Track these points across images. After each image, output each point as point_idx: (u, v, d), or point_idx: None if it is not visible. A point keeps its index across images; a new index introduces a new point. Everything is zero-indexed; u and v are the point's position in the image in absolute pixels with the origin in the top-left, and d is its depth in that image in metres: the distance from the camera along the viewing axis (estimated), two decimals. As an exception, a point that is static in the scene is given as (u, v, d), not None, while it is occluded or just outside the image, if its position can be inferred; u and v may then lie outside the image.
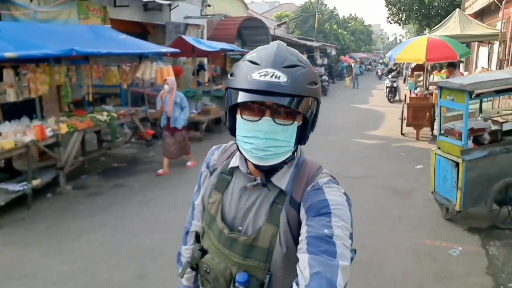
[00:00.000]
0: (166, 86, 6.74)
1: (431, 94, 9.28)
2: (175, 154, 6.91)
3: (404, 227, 4.77)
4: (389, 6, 25.49)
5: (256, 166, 1.09)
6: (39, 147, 5.51)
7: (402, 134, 9.77)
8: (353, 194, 5.09)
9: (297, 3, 50.44)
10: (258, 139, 1.02)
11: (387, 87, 16.87)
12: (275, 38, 18.78)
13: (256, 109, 1.03)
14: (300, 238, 0.99)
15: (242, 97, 1.00)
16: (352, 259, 0.99)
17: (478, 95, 4.65)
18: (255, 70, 0.99)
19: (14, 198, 5.11)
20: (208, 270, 1.14)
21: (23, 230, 4.67)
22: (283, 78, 0.97)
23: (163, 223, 4.88)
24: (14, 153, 5.23)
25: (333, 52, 33.85)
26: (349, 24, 44.40)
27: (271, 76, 0.97)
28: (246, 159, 1.12)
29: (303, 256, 0.93)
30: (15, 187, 5.13)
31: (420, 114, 9.01)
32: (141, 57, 8.07)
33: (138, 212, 5.26)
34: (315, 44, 26.95)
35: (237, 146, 1.11)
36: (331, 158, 7.74)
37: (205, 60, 13.96)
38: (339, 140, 9.49)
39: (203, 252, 1.18)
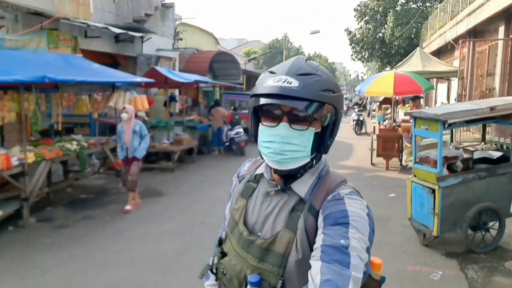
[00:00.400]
0: (124, 115, 6.20)
1: (399, 126, 9.65)
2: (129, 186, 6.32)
3: (385, 253, 4.76)
4: (353, 44, 26.96)
5: (276, 172, 1.13)
6: (3, 177, 5.17)
7: (372, 164, 10.01)
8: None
9: (264, 40, 52.24)
10: (275, 143, 1.07)
11: (353, 120, 17.44)
12: (245, 72, 19.16)
13: (274, 115, 1.08)
14: (315, 246, 1.00)
15: (258, 102, 1.07)
16: (365, 273, 0.97)
17: (450, 125, 4.86)
18: (271, 77, 1.07)
19: (-28, 232, 4.71)
20: (224, 272, 1.15)
21: (-18, 266, 4.27)
22: (294, 83, 1.03)
23: (138, 255, 4.62)
24: (-25, 183, 4.87)
25: (300, 88, 34.86)
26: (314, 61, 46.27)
27: (284, 82, 1.03)
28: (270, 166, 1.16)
29: (315, 263, 0.94)
30: (-26, 220, 4.74)
31: (389, 145, 9.30)
32: (113, 87, 7.93)
33: (109, 244, 4.96)
34: (283, 79, 27.70)
35: (259, 152, 1.15)
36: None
37: (176, 91, 13.95)
38: (312, 170, 9.56)
39: (223, 255, 1.20)
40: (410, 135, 10.81)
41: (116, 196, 7.17)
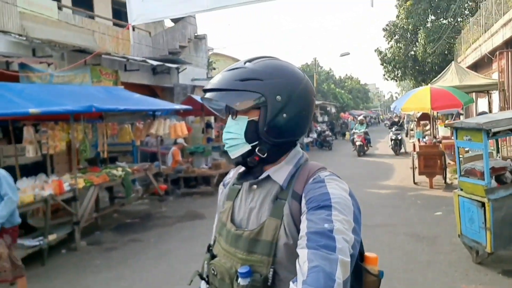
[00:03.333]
0: None
1: (439, 142, 9.38)
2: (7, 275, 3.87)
3: (435, 272, 4.58)
4: (385, 64, 26.73)
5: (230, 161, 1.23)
6: (57, 201, 5.46)
7: (415, 183, 9.71)
8: (376, 243, 5.01)
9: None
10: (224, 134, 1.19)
11: (392, 140, 17.08)
12: (277, 97, 19.34)
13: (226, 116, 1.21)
14: (300, 234, 1.00)
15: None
16: (353, 256, 0.97)
17: (494, 134, 4.70)
18: None
19: (29, 254, 4.96)
20: (215, 272, 1.14)
21: (40, 287, 4.48)
22: (217, 78, 1.16)
23: (183, 275, 4.68)
24: (33, 207, 5.19)
25: (333, 110, 34.78)
26: (345, 83, 46.08)
27: (212, 80, 1.18)
28: None
29: (302, 251, 0.94)
30: (31, 242, 5.02)
31: (431, 162, 9.02)
32: (154, 115, 8.29)
33: (155, 265, 5.07)
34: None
35: None
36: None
37: (212, 118, 14.33)
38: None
39: (213, 258, 1.19)
40: (453, 152, 10.47)
41: (160, 220, 7.36)
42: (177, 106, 8.63)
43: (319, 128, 22.35)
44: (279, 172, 1.16)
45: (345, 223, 0.98)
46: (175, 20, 14.36)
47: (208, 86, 1.15)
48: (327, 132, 21.20)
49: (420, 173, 9.31)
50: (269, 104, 1.11)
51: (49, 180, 5.66)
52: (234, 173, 1.34)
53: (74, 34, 10.05)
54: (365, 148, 17.22)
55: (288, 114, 1.12)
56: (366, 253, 1.15)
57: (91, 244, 5.99)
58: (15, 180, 5.73)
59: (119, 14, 14.06)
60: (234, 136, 1.14)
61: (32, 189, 5.24)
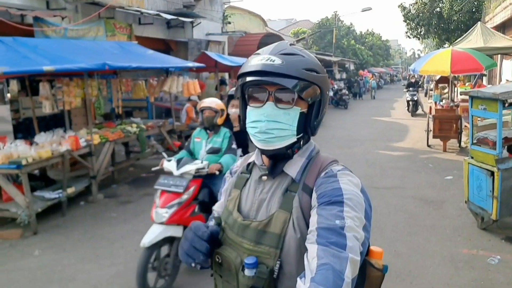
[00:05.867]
0: None
1: (457, 106, 9.18)
2: None
3: (439, 236, 4.69)
4: (407, 21, 25.53)
5: (263, 152, 1.14)
6: (74, 156, 5.68)
7: (428, 146, 9.66)
8: (383, 205, 5.08)
9: (313, 20, 50.94)
10: (261, 122, 1.07)
11: (407, 101, 16.75)
12: (294, 53, 18.93)
13: (261, 96, 1.09)
14: (310, 229, 0.98)
15: (244, 80, 1.10)
16: (362, 254, 0.97)
17: (510, 104, 4.60)
18: (255, 57, 1.09)
19: (49, 206, 5.25)
20: (220, 261, 1.13)
21: (60, 236, 4.79)
22: (277, 61, 1.05)
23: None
24: (51, 162, 5.40)
25: (352, 67, 33.90)
26: (366, 39, 44.44)
27: (267, 60, 1.05)
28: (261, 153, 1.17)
29: (311, 247, 0.93)
30: (51, 195, 5.28)
31: (446, 126, 8.90)
32: (167, 72, 8.29)
33: (168, 221, 5.30)
34: (333, 59, 27.06)
35: (248, 135, 1.16)
36: (357, 170, 7.64)
37: (226, 75, 14.22)
38: (364, 151, 9.43)
39: (219, 245, 1.17)
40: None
41: (172, 176, 7.58)
42: (190, 64, 8.57)
43: (335, 86, 21.95)
44: (293, 166, 1.14)
45: (357, 220, 0.96)
46: (190, -29, 13.88)
47: (269, 68, 1.04)
48: (344, 91, 20.84)
49: (434, 136, 9.22)
50: (323, 98, 1.13)
51: (66, 136, 5.84)
52: (242, 162, 1.32)
53: (88, -15, 9.85)
54: None
55: (325, 109, 1.17)
56: (372, 247, 1.13)
57: (108, 197, 6.28)
58: (33, 133, 5.97)
59: (133, -36, 13.62)
60: (284, 126, 1.08)
61: (50, 144, 5.43)
